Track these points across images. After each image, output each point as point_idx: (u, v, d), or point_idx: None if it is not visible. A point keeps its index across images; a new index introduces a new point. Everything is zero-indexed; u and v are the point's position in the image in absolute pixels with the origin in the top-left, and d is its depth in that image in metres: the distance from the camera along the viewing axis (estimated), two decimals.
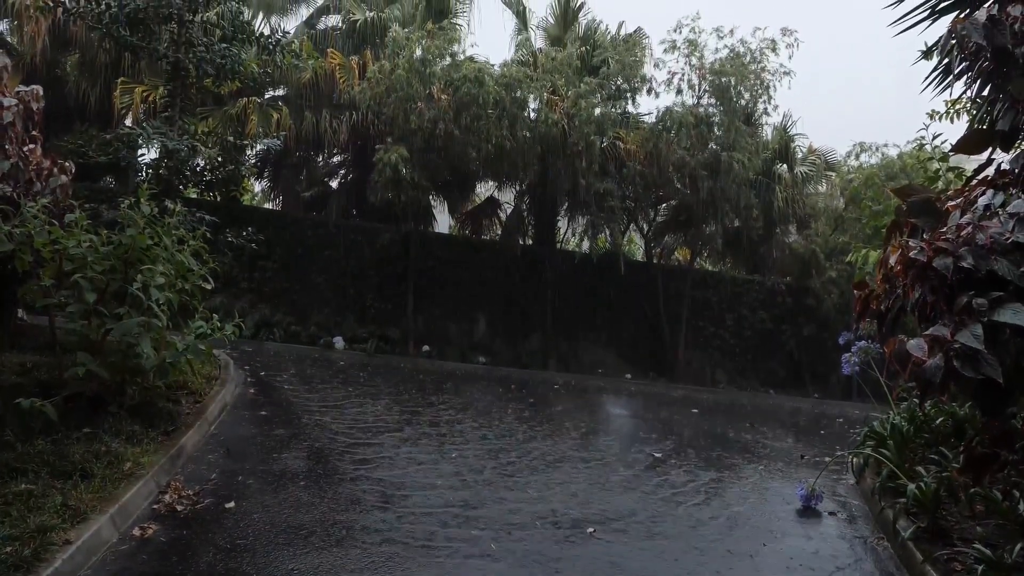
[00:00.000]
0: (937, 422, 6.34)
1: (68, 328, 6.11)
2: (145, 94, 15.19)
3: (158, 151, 12.01)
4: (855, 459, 7.09)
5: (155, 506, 4.81)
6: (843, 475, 7.21)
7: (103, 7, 10.99)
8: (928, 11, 5.83)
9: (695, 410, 11.66)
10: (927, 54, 6.89)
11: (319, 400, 8.64)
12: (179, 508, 4.83)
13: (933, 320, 3.60)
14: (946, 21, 5.52)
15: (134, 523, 4.50)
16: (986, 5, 4.33)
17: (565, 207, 17.61)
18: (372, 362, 13.11)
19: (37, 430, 5.16)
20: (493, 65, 15.24)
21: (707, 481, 6.88)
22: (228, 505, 4.97)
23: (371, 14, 17.33)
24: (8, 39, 16.12)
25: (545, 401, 10.90)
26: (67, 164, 7.08)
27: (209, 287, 7.02)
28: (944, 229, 3.86)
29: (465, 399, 10.11)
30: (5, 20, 15.86)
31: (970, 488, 5.14)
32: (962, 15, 4.45)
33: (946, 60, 4.70)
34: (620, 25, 17.50)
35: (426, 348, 15.79)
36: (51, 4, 12.15)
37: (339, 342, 14.92)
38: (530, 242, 18.48)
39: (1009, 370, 3.26)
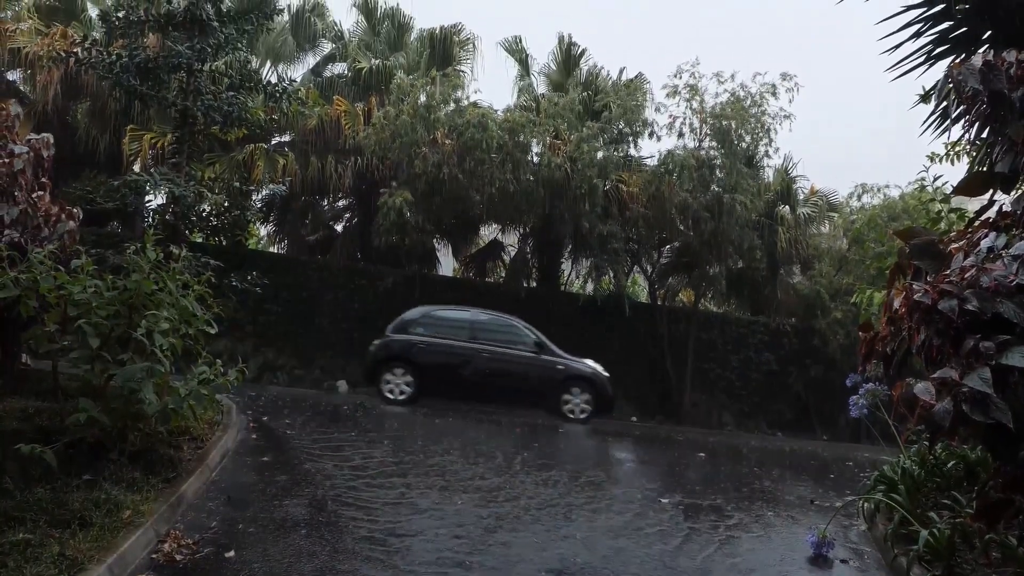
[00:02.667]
0: (948, 466, 6.24)
1: (71, 373, 6.08)
2: (153, 141, 15.45)
3: (165, 197, 12.15)
4: (866, 504, 6.95)
5: (154, 555, 4.72)
6: (854, 520, 7.06)
7: (114, 57, 11.24)
8: (924, 56, 5.94)
9: (702, 454, 11.51)
10: (925, 98, 6.98)
11: (321, 445, 8.56)
12: (178, 558, 4.74)
13: (940, 363, 3.58)
14: (942, 65, 5.62)
15: (132, 573, 4.41)
16: (981, 51, 4.40)
17: (569, 249, 17.70)
18: (375, 406, 13.01)
19: (37, 477, 5.11)
20: (496, 110, 15.49)
21: (715, 527, 6.75)
22: (228, 554, 4.88)
23: (376, 62, 17.69)
24: (21, 88, 16.50)
25: (549, 445, 10.77)
26: (75, 210, 7.16)
27: (213, 331, 7.01)
28: (948, 272, 3.85)
29: (468, 443, 10.00)
30: (19, 69, 16.22)
31: (985, 534, 5.02)
32: (958, 60, 4.51)
33: (943, 104, 4.76)
34: (621, 71, 17.84)
35: None
36: (63, 54, 12.45)
37: (342, 386, 14.86)
38: (534, 284, 18.52)
39: (1019, 414, 3.23)
